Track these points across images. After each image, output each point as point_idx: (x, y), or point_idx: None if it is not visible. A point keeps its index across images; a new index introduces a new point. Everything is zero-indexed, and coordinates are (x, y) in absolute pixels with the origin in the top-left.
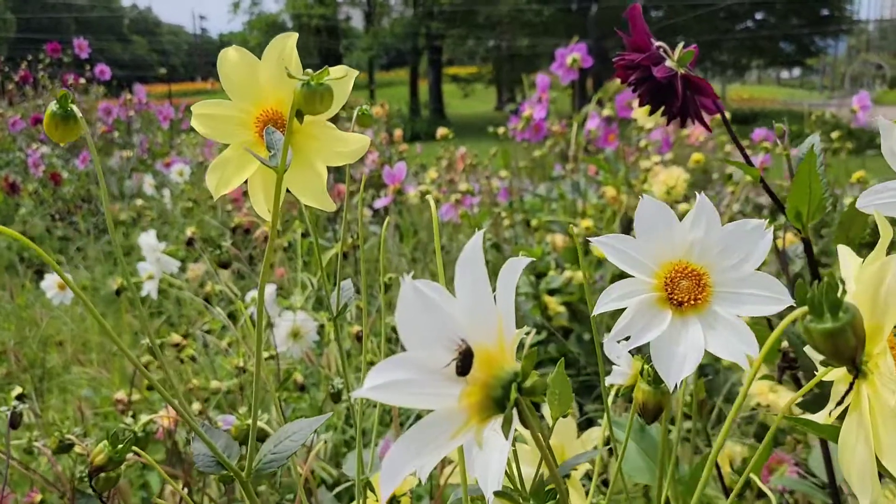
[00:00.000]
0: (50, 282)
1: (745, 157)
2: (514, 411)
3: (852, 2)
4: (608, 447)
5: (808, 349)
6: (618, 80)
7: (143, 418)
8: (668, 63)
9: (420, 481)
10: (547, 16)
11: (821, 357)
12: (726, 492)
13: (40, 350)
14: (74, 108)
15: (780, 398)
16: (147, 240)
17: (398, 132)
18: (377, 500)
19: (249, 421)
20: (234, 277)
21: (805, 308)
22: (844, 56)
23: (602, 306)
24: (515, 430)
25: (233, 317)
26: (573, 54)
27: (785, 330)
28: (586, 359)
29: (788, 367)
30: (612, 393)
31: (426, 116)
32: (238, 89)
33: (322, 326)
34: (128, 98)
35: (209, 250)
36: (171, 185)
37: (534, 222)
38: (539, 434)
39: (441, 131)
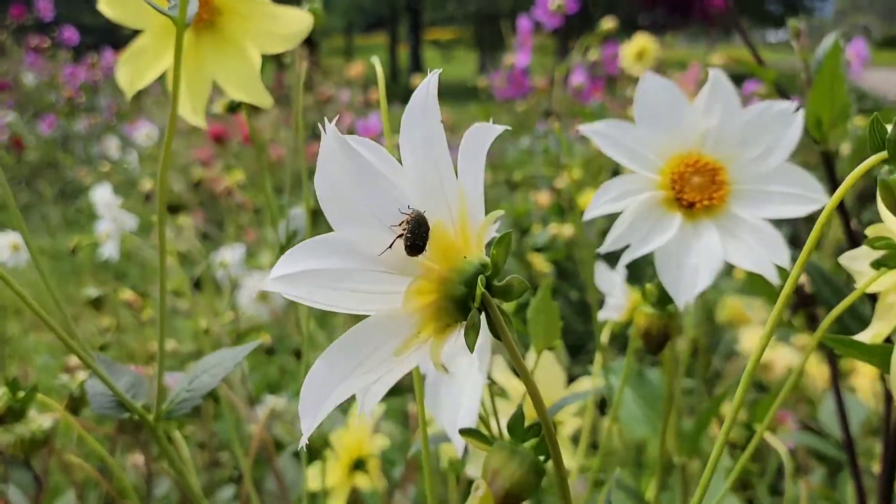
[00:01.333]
0: (1, 243)
1: (758, 58)
2: (482, 316)
3: None
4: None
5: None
6: (605, 25)
7: (81, 376)
8: None
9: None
10: None
11: (871, 258)
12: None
13: None
14: None
15: (777, 355)
16: (102, 195)
17: (375, 93)
18: (340, 462)
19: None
20: (202, 239)
21: (882, 155)
22: (832, 18)
23: (595, 208)
24: (490, 374)
25: (200, 280)
26: None
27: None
28: (573, 318)
29: (803, 304)
30: (606, 333)
31: (405, 81)
32: None
33: None
34: (94, 61)
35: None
36: (139, 147)
37: (517, 176)
38: (513, 344)
39: (417, 81)
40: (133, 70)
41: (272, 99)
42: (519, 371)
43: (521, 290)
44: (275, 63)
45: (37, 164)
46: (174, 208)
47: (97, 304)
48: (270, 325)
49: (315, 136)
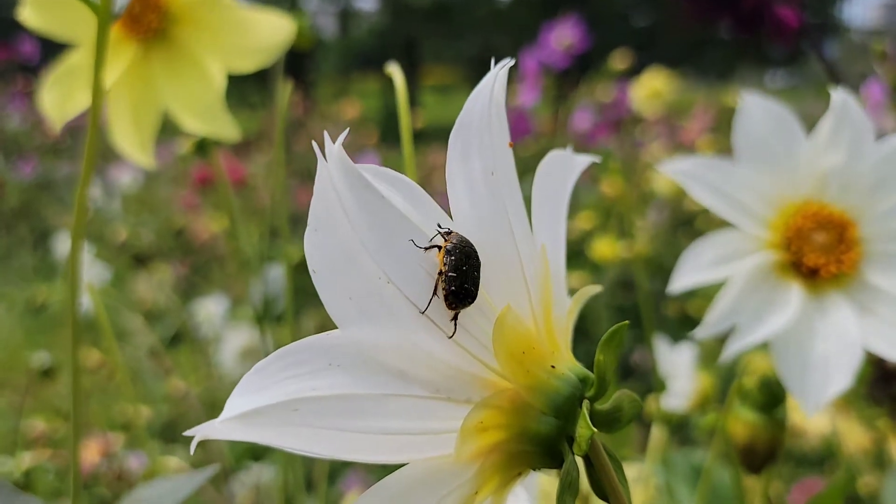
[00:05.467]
0: None
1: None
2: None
3: (838, 8)
4: None
5: None
6: (616, 65)
7: (25, 458)
8: None
9: None
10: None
11: None
12: None
13: None
14: None
15: (811, 421)
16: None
17: (369, 136)
18: None
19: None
20: (188, 290)
21: None
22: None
23: (684, 276)
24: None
25: (180, 334)
26: (564, 35)
27: None
28: None
29: (885, 378)
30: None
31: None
32: None
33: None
34: None
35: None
36: (124, 191)
37: None
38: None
39: (417, 120)
40: (63, 94)
41: (239, 131)
42: None
43: (632, 416)
44: (264, 104)
45: (18, 209)
46: (142, 259)
47: (49, 373)
48: None
49: (310, 177)
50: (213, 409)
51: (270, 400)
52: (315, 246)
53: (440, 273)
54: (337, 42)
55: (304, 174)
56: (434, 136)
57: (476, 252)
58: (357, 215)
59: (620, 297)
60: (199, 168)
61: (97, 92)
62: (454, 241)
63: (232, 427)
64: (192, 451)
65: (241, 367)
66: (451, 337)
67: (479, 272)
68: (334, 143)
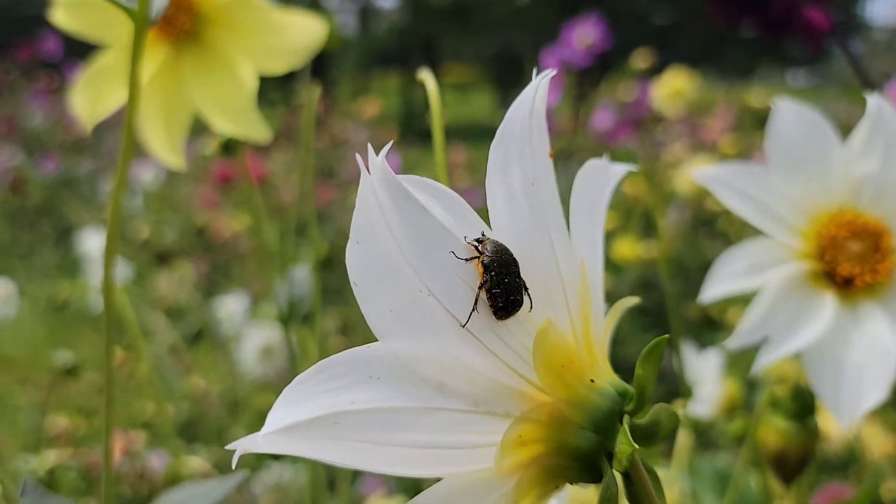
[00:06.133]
0: None
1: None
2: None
3: (861, 7)
4: None
5: None
6: (638, 63)
7: (49, 457)
8: None
9: None
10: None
11: None
12: None
13: None
14: None
15: (833, 425)
16: (94, 242)
17: (390, 133)
18: None
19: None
20: (209, 287)
21: None
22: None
23: (718, 285)
24: None
25: (201, 332)
26: (586, 34)
27: None
28: None
29: None
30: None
31: (421, 117)
32: None
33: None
34: None
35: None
36: (145, 188)
37: None
38: None
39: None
40: (94, 95)
41: (271, 133)
42: None
43: (669, 430)
44: (284, 101)
45: (41, 206)
46: (164, 257)
47: (73, 372)
48: (276, 384)
49: (330, 175)
50: (233, 407)
51: (311, 413)
52: (357, 258)
53: (481, 285)
54: (357, 40)
55: (325, 172)
56: (453, 135)
57: (514, 257)
58: (399, 227)
59: (642, 297)
60: (220, 166)
61: (133, 99)
62: (491, 252)
63: (273, 440)
64: (234, 465)
65: (261, 366)
66: (498, 315)
67: (520, 277)
68: (377, 155)
